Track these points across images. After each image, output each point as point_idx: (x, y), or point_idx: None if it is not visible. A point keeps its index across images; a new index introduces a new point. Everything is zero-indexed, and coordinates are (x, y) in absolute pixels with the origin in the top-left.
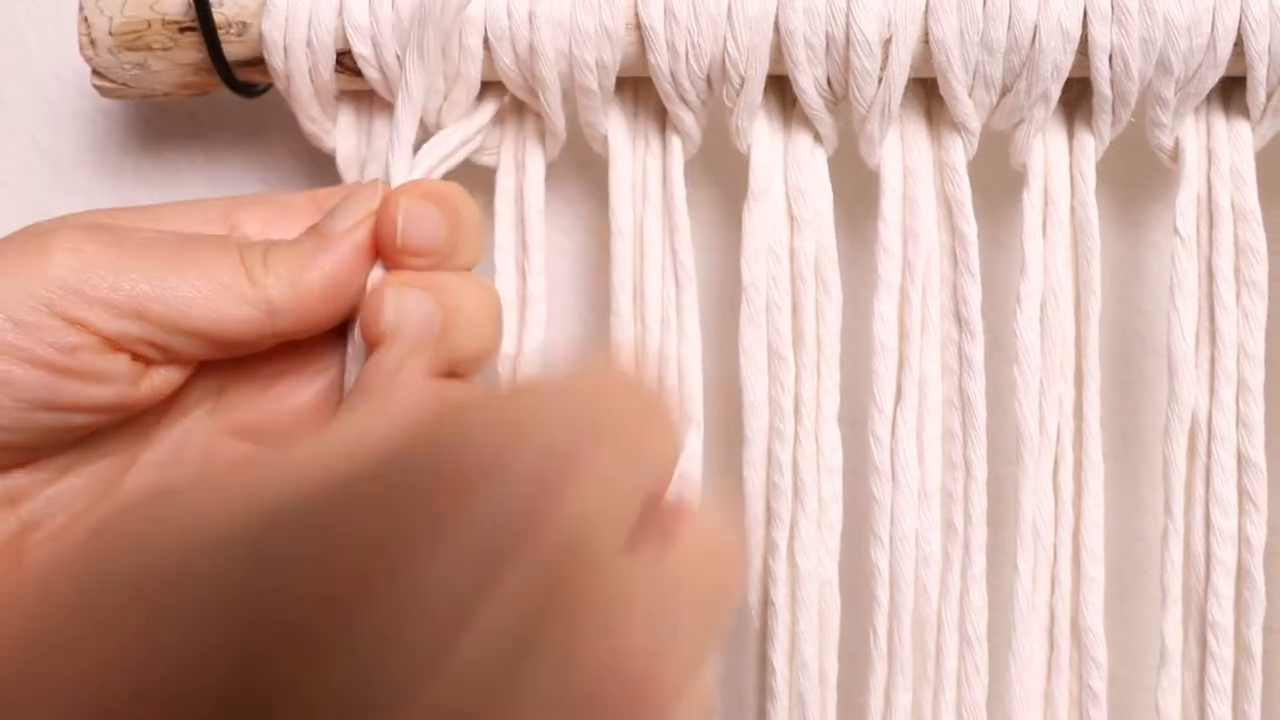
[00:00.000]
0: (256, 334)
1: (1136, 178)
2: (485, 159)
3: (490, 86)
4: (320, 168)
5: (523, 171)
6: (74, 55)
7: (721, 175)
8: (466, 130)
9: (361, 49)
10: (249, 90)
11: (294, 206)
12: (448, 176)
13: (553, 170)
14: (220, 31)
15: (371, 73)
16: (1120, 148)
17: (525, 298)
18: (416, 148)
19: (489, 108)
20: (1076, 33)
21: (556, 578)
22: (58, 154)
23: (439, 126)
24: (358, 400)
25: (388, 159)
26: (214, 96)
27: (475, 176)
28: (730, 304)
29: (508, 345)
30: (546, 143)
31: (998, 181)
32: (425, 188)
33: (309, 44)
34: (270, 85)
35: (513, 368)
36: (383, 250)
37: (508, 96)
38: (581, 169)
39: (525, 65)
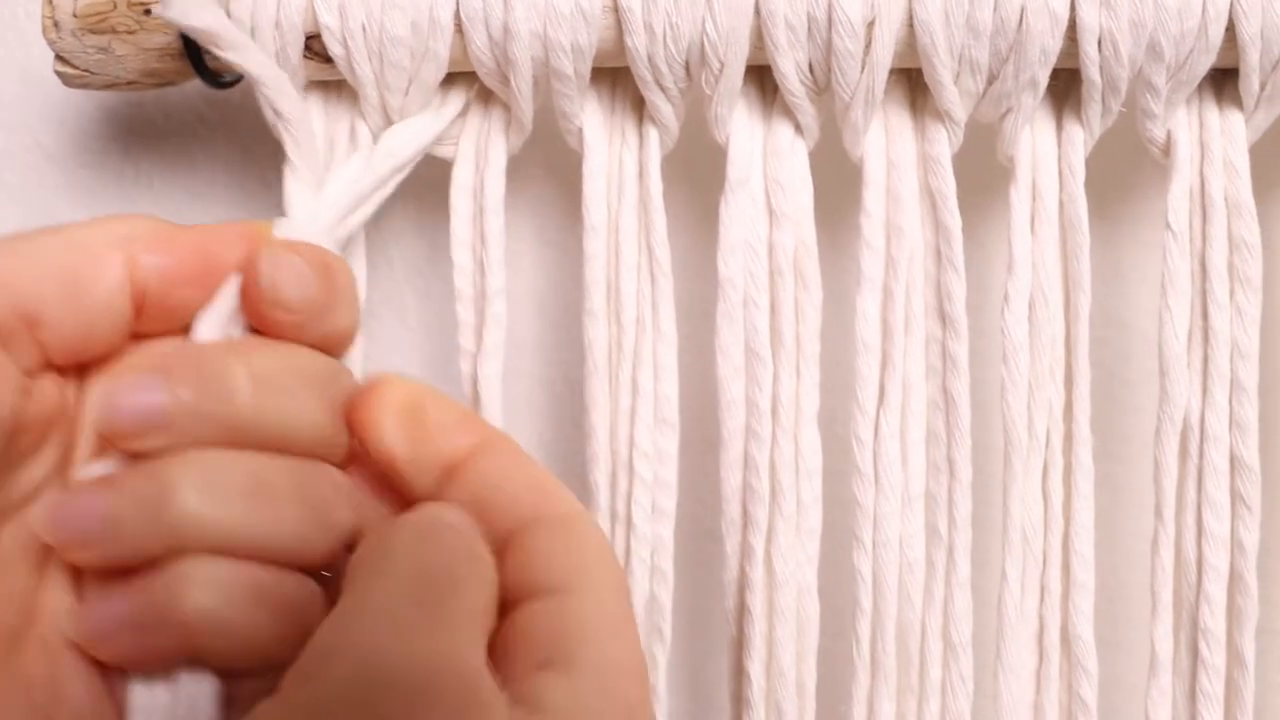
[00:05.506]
0: (122, 307)
1: (1126, 173)
2: (442, 151)
3: (455, 80)
4: None
5: (484, 162)
6: None
7: (698, 171)
8: (434, 125)
9: (327, 19)
10: (217, 80)
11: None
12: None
13: (514, 167)
14: None
15: (336, 48)
16: (1109, 143)
17: (485, 293)
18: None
19: (456, 100)
20: (1064, 15)
21: None
22: (58, 153)
23: (401, 112)
24: None
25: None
26: (213, 95)
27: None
28: (706, 301)
29: (468, 343)
30: (510, 134)
31: (984, 176)
32: (296, 245)
33: (277, 24)
34: (240, 78)
35: (472, 365)
36: (247, 304)
37: (475, 88)
38: (547, 166)
39: (499, 47)
